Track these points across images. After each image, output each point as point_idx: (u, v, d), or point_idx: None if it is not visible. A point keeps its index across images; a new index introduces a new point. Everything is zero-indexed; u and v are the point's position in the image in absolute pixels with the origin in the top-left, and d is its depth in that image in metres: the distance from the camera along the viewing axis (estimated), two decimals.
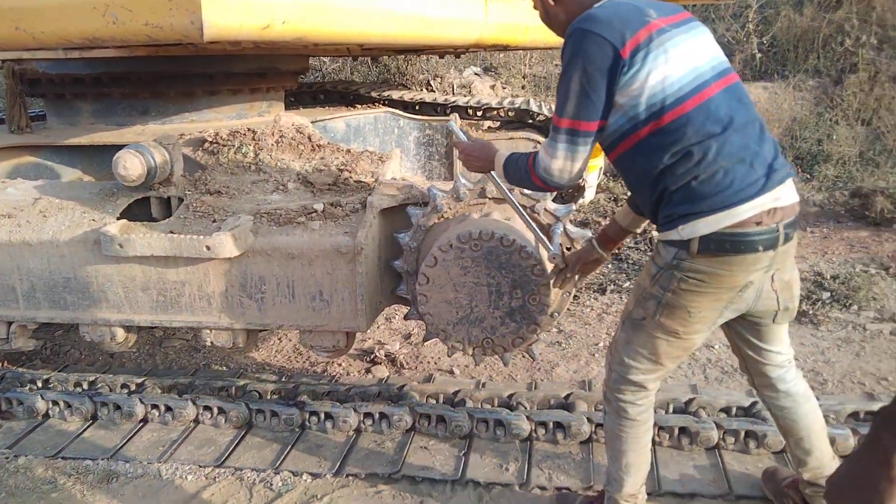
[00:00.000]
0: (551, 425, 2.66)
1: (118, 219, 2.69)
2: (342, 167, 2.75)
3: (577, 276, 2.32)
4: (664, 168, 1.74)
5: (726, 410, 2.71)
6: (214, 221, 2.59)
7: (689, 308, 1.81)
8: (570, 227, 2.41)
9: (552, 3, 1.93)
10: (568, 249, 2.45)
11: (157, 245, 2.50)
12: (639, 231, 2.29)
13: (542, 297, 2.26)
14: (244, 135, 2.92)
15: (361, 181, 2.68)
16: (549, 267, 2.32)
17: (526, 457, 2.61)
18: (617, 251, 4.56)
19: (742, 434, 2.54)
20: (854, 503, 0.93)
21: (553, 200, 2.47)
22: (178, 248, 2.49)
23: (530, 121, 4.58)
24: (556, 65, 7.53)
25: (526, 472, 2.53)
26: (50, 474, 2.71)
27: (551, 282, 2.29)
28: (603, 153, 1.94)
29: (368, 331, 3.81)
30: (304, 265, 2.48)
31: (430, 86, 6.31)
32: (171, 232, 2.54)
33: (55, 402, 3.06)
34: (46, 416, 3.08)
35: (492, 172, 2.16)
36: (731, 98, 1.76)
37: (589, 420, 2.64)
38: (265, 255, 2.49)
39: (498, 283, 2.27)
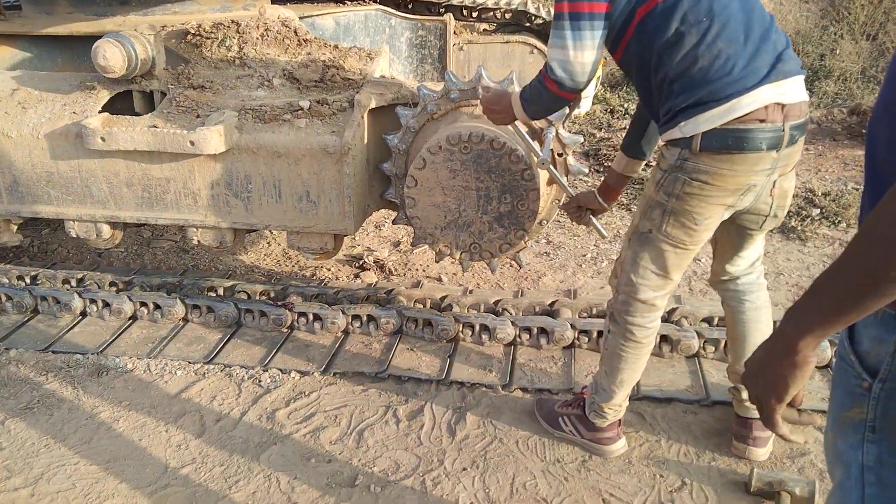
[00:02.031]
0: (535, 331, 2.70)
1: (100, 112, 2.61)
2: (329, 63, 2.65)
3: (588, 214, 2.29)
4: (662, 52, 1.68)
5: (708, 320, 2.75)
6: (198, 117, 2.52)
7: (694, 213, 1.77)
8: (562, 131, 2.36)
9: None
10: (559, 156, 2.41)
11: (140, 139, 2.44)
12: (637, 174, 2.23)
13: (530, 202, 2.24)
14: (228, 27, 2.80)
15: (349, 78, 2.60)
16: (539, 172, 2.29)
17: (509, 360, 2.66)
18: (609, 163, 4.51)
19: (722, 343, 2.59)
20: (764, 385, 0.97)
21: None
22: (161, 142, 2.43)
23: (527, 24, 4.42)
24: None
25: (509, 374, 2.58)
26: (41, 367, 2.75)
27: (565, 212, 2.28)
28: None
29: (358, 237, 3.81)
30: (291, 164, 2.43)
31: None
32: (155, 126, 2.48)
33: (44, 298, 3.07)
34: (36, 311, 3.10)
35: (515, 123, 2.08)
36: None
37: (572, 326, 2.68)
38: (251, 152, 2.44)
39: (487, 188, 2.24)
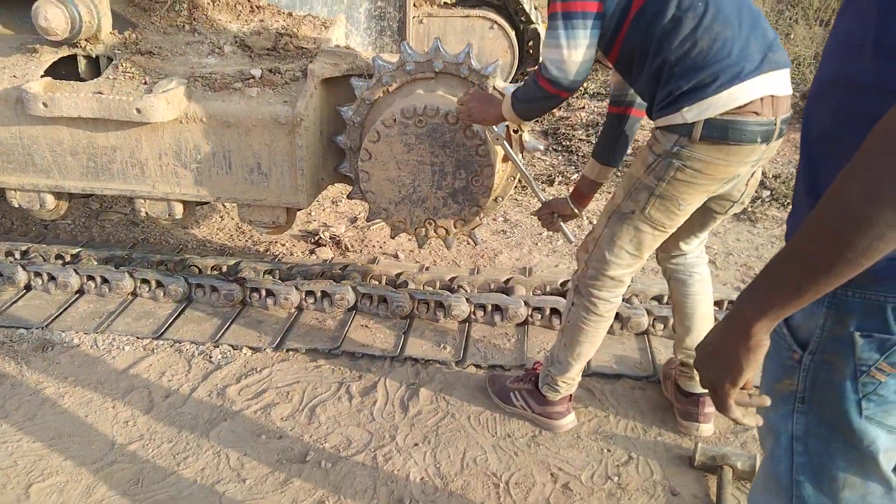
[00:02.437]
0: (489, 308, 2.71)
1: (42, 76, 2.51)
2: (283, 31, 2.58)
3: (559, 220, 2.30)
4: (661, 37, 1.69)
5: (658, 299, 2.80)
6: (146, 83, 2.44)
7: (680, 199, 1.80)
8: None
9: None
10: (514, 132, 2.40)
11: (84, 106, 2.35)
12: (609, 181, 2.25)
13: (485, 178, 2.23)
14: None
15: (303, 47, 2.53)
16: (496, 149, 2.28)
17: (464, 337, 2.67)
18: (568, 142, 4.53)
19: (671, 321, 2.63)
20: (718, 369, 0.96)
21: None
22: (106, 109, 2.34)
23: None
24: None
25: (462, 350, 2.59)
26: None
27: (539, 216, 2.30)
28: None
29: (314, 213, 3.76)
30: (241, 135, 2.37)
31: None
32: (100, 92, 2.39)
33: None
34: None
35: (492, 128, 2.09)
36: None
37: (526, 304, 2.69)
38: (199, 122, 2.37)
39: (441, 163, 2.22)
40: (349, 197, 2.61)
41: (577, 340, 2.08)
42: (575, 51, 1.71)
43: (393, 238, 2.65)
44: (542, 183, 4.15)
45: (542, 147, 2.57)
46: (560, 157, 4.50)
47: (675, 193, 1.79)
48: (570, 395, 2.23)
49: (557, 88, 1.78)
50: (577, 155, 4.50)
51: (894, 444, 1.00)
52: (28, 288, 2.95)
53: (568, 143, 4.62)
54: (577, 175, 4.22)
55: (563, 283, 2.83)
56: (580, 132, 4.74)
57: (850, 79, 0.90)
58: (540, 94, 1.81)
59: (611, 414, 2.32)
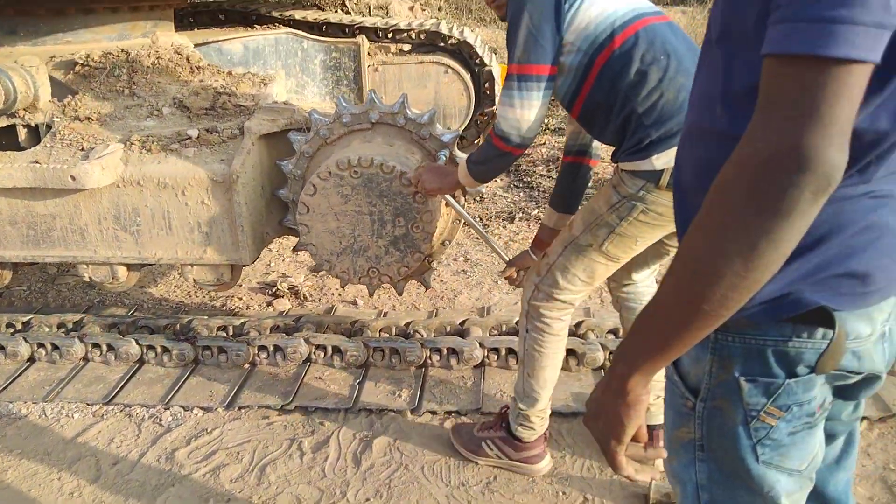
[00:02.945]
0: (445, 351, 2.68)
1: None
2: (221, 90, 2.60)
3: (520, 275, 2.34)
4: (628, 91, 1.75)
5: (614, 332, 2.78)
6: (83, 150, 2.43)
7: (638, 238, 1.86)
8: (456, 151, 2.35)
9: None
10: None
11: (19, 176, 2.34)
12: None
13: (425, 224, 2.22)
14: (117, 56, 2.72)
15: (241, 105, 2.54)
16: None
17: (419, 383, 2.63)
18: (529, 178, 4.56)
19: None
20: (602, 428, 0.95)
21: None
22: (42, 179, 2.33)
23: (441, 44, 4.43)
24: None
25: (418, 397, 2.55)
26: None
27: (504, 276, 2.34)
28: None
29: (273, 264, 3.74)
30: (178, 195, 2.36)
31: (346, 6, 6.04)
32: (36, 162, 2.38)
33: None
34: None
35: (447, 196, 2.14)
36: (674, 30, 1.81)
37: (481, 345, 2.66)
38: (136, 184, 2.36)
39: (380, 212, 2.22)
40: (294, 249, 2.60)
41: (540, 366, 2.08)
42: (528, 111, 1.78)
43: (343, 287, 2.63)
44: (502, 220, 4.16)
45: (483, 190, 2.57)
46: (521, 194, 4.52)
47: (636, 232, 1.84)
48: (546, 435, 2.19)
49: (509, 145, 1.83)
50: (538, 191, 4.53)
51: (797, 486, 0.99)
52: None
53: (529, 178, 4.65)
54: (537, 210, 4.23)
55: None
56: (541, 168, 4.78)
57: (707, 128, 0.91)
58: (494, 152, 1.87)
59: (567, 454, 2.28)
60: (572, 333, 2.73)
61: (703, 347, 0.95)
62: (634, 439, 0.96)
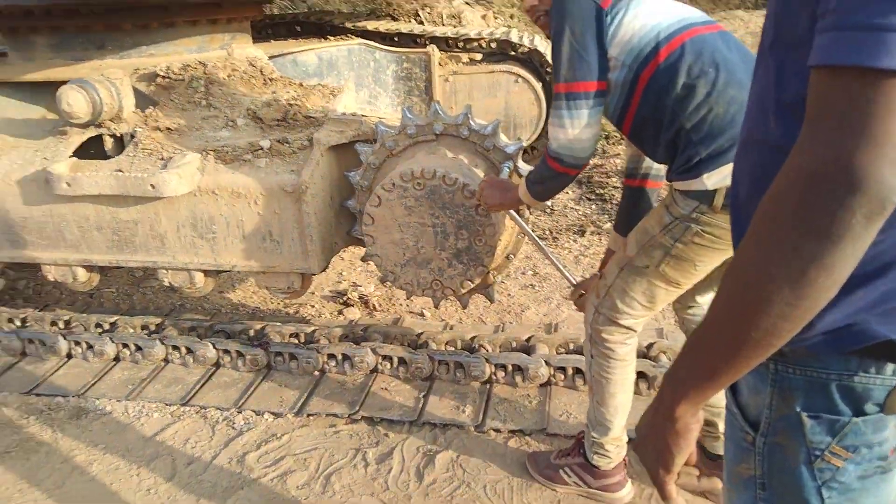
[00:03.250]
0: (510, 368, 2.63)
1: (71, 156, 2.64)
2: (292, 102, 2.65)
3: None
4: (675, 106, 1.67)
5: None
6: (162, 159, 2.53)
7: (697, 262, 1.74)
8: (520, 164, 2.31)
9: None
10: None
11: (104, 184, 2.45)
12: None
13: (488, 238, 2.19)
14: (195, 68, 2.82)
15: (311, 116, 2.58)
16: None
17: (484, 399, 2.59)
18: (601, 191, 4.45)
19: None
20: (650, 455, 0.91)
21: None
22: (124, 186, 2.44)
23: (512, 52, 4.40)
24: None
25: (482, 413, 2.51)
26: (24, 410, 2.75)
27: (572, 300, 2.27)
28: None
29: (344, 273, 3.79)
30: (251, 204, 2.42)
31: (419, 16, 6.08)
32: (119, 170, 2.49)
33: (31, 341, 3.09)
34: (24, 353, 3.11)
35: (511, 211, 2.11)
36: (726, 40, 1.70)
37: (547, 363, 2.60)
38: (212, 193, 2.44)
39: (443, 224, 2.20)
40: (363, 259, 2.61)
41: (609, 393, 1.99)
42: (579, 130, 1.73)
43: (408, 298, 2.62)
44: (573, 233, 4.07)
45: (548, 203, 2.51)
46: (593, 206, 4.41)
47: (692, 255, 1.73)
48: (625, 461, 2.11)
49: (564, 166, 1.78)
50: (611, 203, 4.40)
51: None
52: (69, 356, 3.06)
53: (602, 191, 4.53)
54: (609, 224, 4.12)
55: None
56: (615, 179, 4.65)
57: (761, 139, 0.84)
58: (549, 173, 1.82)
59: (635, 483, 2.18)
60: (643, 355, 2.62)
61: (763, 379, 0.88)
62: (689, 465, 0.90)
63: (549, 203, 2.47)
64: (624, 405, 2.02)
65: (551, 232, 4.09)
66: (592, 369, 2.01)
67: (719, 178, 1.62)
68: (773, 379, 0.88)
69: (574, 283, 2.19)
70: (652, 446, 0.90)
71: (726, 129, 1.62)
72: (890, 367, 0.81)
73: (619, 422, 2.03)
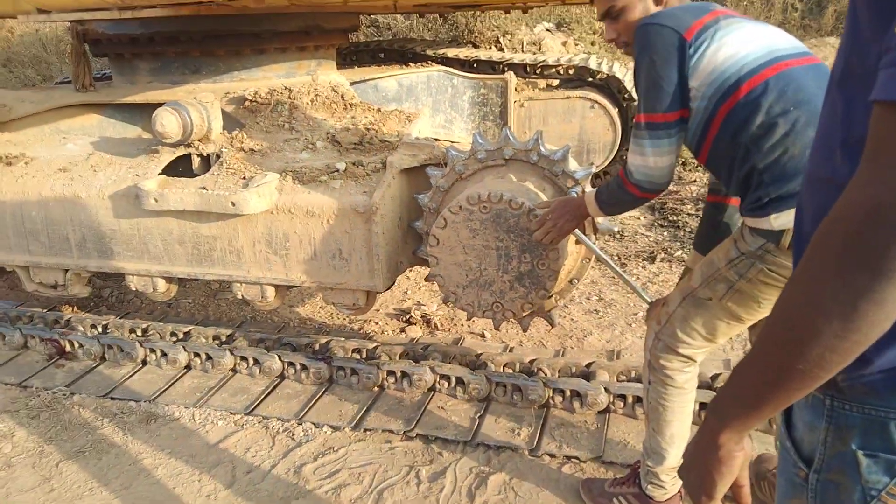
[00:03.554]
0: (568, 393, 2.62)
1: (161, 173, 2.82)
2: (369, 126, 2.75)
3: None
4: (750, 144, 1.65)
5: None
6: (244, 179, 2.67)
7: (761, 298, 1.73)
8: (588, 188, 2.32)
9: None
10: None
11: (188, 200, 2.61)
12: None
13: (551, 262, 2.21)
14: (281, 93, 2.97)
15: (386, 140, 2.68)
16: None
17: (540, 423, 2.59)
18: (675, 217, 4.38)
19: None
20: (694, 481, 0.92)
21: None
22: (207, 203, 2.59)
23: (590, 79, 4.42)
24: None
25: (537, 438, 2.51)
26: (99, 412, 2.92)
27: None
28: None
29: (409, 291, 3.86)
30: (324, 223, 2.52)
31: (500, 43, 6.19)
32: (203, 188, 2.64)
33: (110, 347, 3.28)
34: (103, 358, 3.31)
35: (576, 231, 2.14)
36: (817, 74, 1.65)
37: (606, 390, 2.57)
38: (288, 212, 2.55)
39: (507, 247, 2.23)
40: (427, 279, 2.67)
41: (665, 421, 1.97)
42: (659, 158, 1.75)
43: (469, 319, 2.66)
44: (643, 260, 4.02)
45: (615, 229, 2.51)
46: (665, 233, 4.35)
47: (756, 292, 1.72)
48: (680, 493, 2.07)
49: (644, 192, 1.82)
50: (684, 230, 4.33)
51: None
52: (144, 363, 3.24)
53: (675, 217, 4.47)
54: (681, 252, 4.05)
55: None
56: (689, 206, 4.58)
57: (826, 177, 0.84)
58: (627, 197, 1.86)
59: None
60: (708, 386, 2.57)
61: (818, 414, 0.87)
62: (735, 494, 0.91)
63: (615, 228, 2.47)
64: (681, 434, 1.98)
65: (620, 258, 4.05)
66: (650, 396, 1.99)
67: (787, 219, 1.60)
68: (828, 415, 0.87)
69: (650, 301, 2.17)
70: (695, 473, 0.91)
71: (799, 172, 1.59)
72: None
73: (675, 452, 1.99)
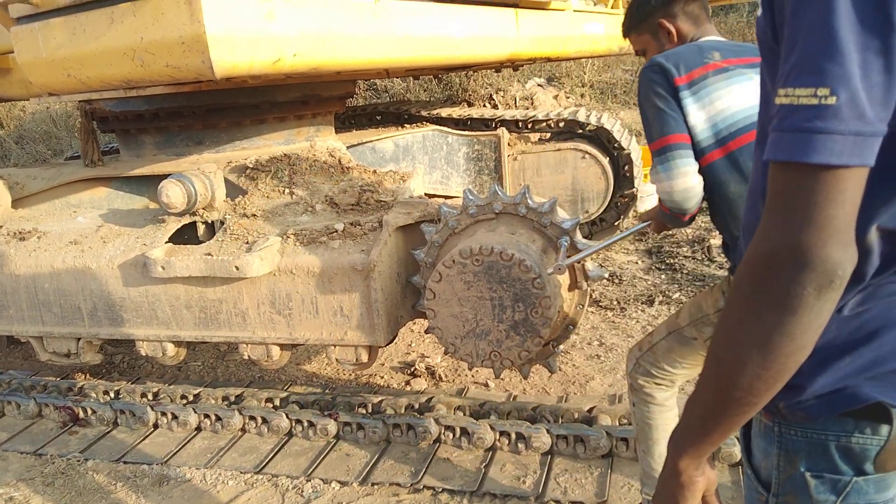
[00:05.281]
0: (571, 439, 2.66)
1: (167, 242, 2.93)
2: (366, 187, 2.87)
3: None
4: (724, 209, 1.82)
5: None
6: (248, 243, 2.78)
7: None
8: (578, 237, 2.42)
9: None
10: (579, 262, 2.46)
11: (194, 266, 2.71)
12: None
13: (544, 310, 2.28)
14: (281, 160, 3.11)
15: (382, 200, 2.80)
16: (555, 281, 2.34)
17: (545, 469, 2.62)
18: (672, 260, 4.46)
19: None
20: None
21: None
22: (212, 268, 2.69)
23: (580, 131, 4.57)
24: (624, 69, 7.42)
25: (542, 484, 2.54)
26: (113, 476, 2.97)
27: None
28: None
29: (413, 344, 3.93)
30: (325, 282, 2.61)
31: (493, 100, 6.40)
32: (208, 254, 2.75)
33: (122, 412, 3.35)
34: (116, 423, 3.37)
35: (559, 263, 2.23)
36: None
37: (608, 434, 2.61)
38: (290, 273, 2.65)
39: (500, 297, 2.31)
40: (426, 332, 2.74)
41: (652, 440, 2.07)
42: (679, 180, 1.79)
43: (470, 369, 2.72)
44: (641, 303, 4.08)
45: (605, 275, 2.59)
46: (663, 276, 4.42)
47: None
48: None
49: (674, 212, 1.87)
50: (682, 273, 4.40)
51: None
52: (156, 426, 3.30)
53: (672, 261, 4.54)
54: (679, 294, 4.11)
55: None
56: (685, 249, 4.66)
57: (754, 223, 0.93)
58: (668, 217, 1.94)
59: None
60: None
61: (770, 441, 0.94)
62: None
63: (605, 274, 2.55)
64: None
65: (619, 302, 4.12)
66: (636, 417, 2.12)
67: None
68: (778, 441, 0.95)
69: (558, 262, 2.23)
70: (663, 499, 0.98)
71: None
72: (885, 428, 0.87)
73: None
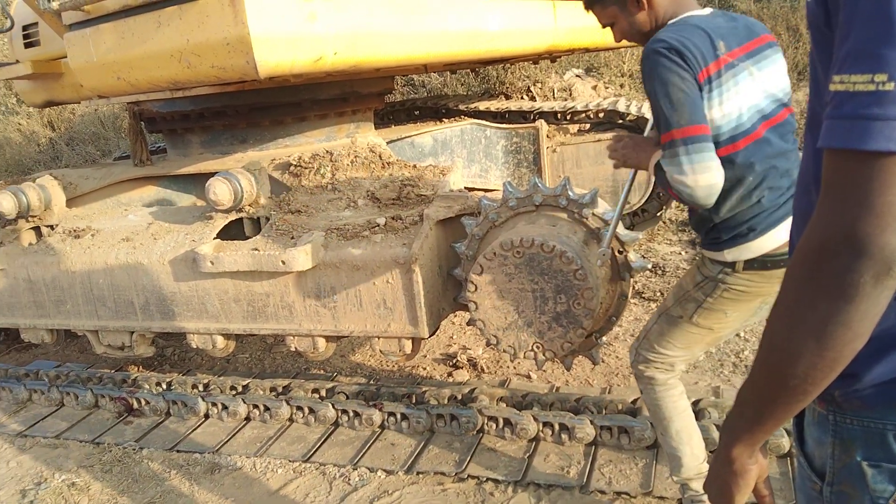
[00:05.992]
0: (615, 430, 2.66)
1: (215, 238, 3.02)
2: (406, 182, 2.91)
3: None
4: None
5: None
6: (293, 238, 2.84)
7: (727, 310, 1.94)
8: (620, 229, 2.41)
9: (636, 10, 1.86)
10: (619, 253, 2.46)
11: (241, 261, 2.79)
12: None
13: (586, 301, 2.29)
14: (323, 157, 3.17)
15: (422, 194, 2.83)
16: (597, 272, 2.35)
17: (589, 460, 2.63)
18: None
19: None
20: (715, 493, 0.99)
21: None
22: (259, 263, 2.76)
23: (620, 121, 4.53)
24: None
25: (587, 475, 2.55)
26: (167, 465, 3.08)
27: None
28: None
29: (455, 336, 3.96)
30: (368, 275, 2.66)
31: (531, 92, 6.37)
32: (255, 249, 2.82)
33: (174, 402, 3.46)
34: (168, 413, 3.49)
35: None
36: (778, 135, 1.82)
37: (653, 425, 2.61)
38: (334, 267, 2.71)
39: (542, 289, 2.33)
40: (468, 324, 2.77)
41: (666, 419, 2.12)
42: (702, 174, 1.67)
43: (512, 361, 2.74)
44: None
45: (648, 266, 2.59)
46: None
47: (721, 307, 1.92)
48: None
49: (684, 202, 1.76)
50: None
51: None
52: (206, 416, 3.40)
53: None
54: None
55: (696, 402, 2.71)
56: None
57: (807, 211, 0.93)
58: (667, 196, 1.96)
59: None
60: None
61: (825, 430, 0.94)
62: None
63: (648, 265, 2.56)
64: (686, 430, 2.12)
65: (662, 293, 4.08)
66: (646, 402, 2.18)
67: (737, 253, 1.83)
68: (833, 430, 0.94)
69: (602, 248, 2.24)
70: (715, 486, 0.99)
71: (748, 219, 1.80)
72: None
73: (687, 450, 2.12)
